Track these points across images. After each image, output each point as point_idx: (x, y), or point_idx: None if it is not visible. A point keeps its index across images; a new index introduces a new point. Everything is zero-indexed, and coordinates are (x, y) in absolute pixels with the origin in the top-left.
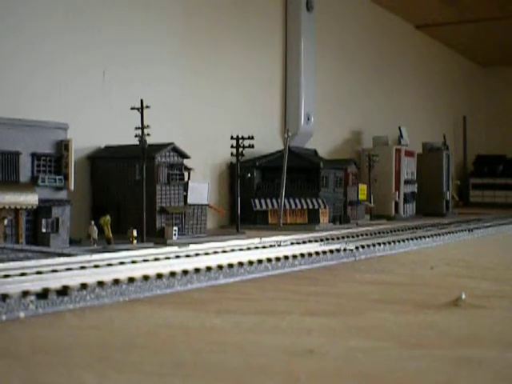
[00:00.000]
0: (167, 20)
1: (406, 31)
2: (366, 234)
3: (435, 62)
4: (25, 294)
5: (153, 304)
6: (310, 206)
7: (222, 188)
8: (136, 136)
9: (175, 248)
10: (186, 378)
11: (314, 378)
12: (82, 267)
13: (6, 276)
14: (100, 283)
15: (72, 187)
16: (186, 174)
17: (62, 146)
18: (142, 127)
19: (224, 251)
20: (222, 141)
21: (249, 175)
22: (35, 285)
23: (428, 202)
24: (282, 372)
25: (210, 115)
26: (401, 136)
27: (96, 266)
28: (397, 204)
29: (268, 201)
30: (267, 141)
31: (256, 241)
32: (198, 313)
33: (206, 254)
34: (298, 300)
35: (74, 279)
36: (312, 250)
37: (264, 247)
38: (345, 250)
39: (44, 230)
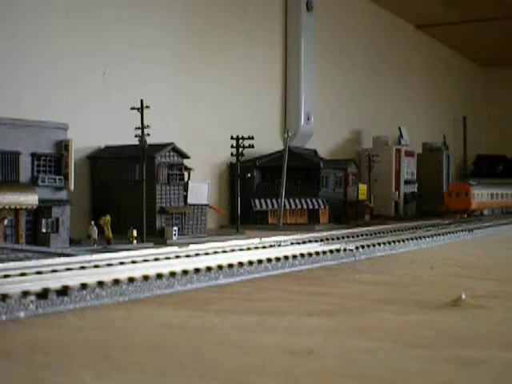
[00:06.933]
0: (167, 20)
1: (407, 31)
2: (366, 234)
3: (435, 62)
4: (25, 294)
5: (153, 304)
6: (310, 206)
7: (222, 188)
8: (136, 136)
9: (175, 248)
10: (186, 378)
11: (314, 378)
12: (82, 267)
13: (6, 276)
14: (100, 283)
15: (72, 187)
16: (186, 174)
17: (62, 146)
18: (142, 127)
19: (224, 251)
20: (222, 141)
21: (249, 175)
22: (35, 285)
23: (428, 201)
24: (282, 372)
25: (210, 115)
26: (401, 136)
27: (96, 266)
28: (397, 204)
29: (268, 201)
30: (267, 141)
31: (256, 241)
32: (198, 313)
33: (206, 253)
34: (298, 300)
35: (73, 279)
36: (312, 250)
37: (264, 247)
38: (345, 249)
39: (44, 230)
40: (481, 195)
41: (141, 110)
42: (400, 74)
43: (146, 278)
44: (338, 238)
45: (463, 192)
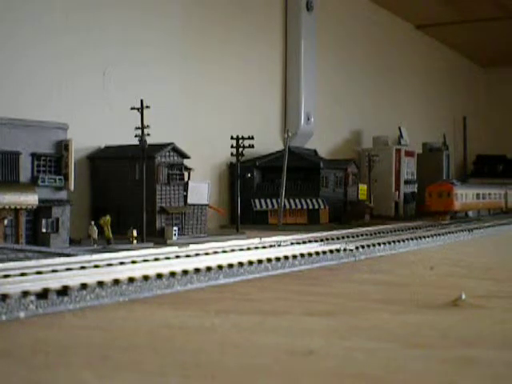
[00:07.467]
0: (167, 21)
1: (406, 31)
2: (366, 234)
3: (435, 62)
4: (25, 294)
5: (153, 304)
6: (310, 206)
7: (222, 188)
8: (136, 136)
9: (175, 248)
10: (186, 378)
11: (314, 378)
12: (82, 267)
13: (6, 276)
14: (100, 283)
15: (72, 187)
16: (186, 174)
17: (62, 146)
18: (142, 127)
19: (224, 251)
20: (221, 141)
21: (249, 175)
22: (35, 285)
23: None
24: (282, 372)
25: (210, 115)
26: (401, 136)
27: (96, 266)
28: (397, 204)
29: (268, 201)
30: (267, 141)
31: (256, 241)
32: (198, 313)
33: (206, 254)
34: (298, 300)
35: (73, 279)
36: (312, 250)
37: (264, 247)
38: (345, 250)
39: (44, 230)
40: (465, 195)
41: (141, 110)
42: (400, 74)
43: (145, 278)
44: (338, 238)
45: (445, 192)
